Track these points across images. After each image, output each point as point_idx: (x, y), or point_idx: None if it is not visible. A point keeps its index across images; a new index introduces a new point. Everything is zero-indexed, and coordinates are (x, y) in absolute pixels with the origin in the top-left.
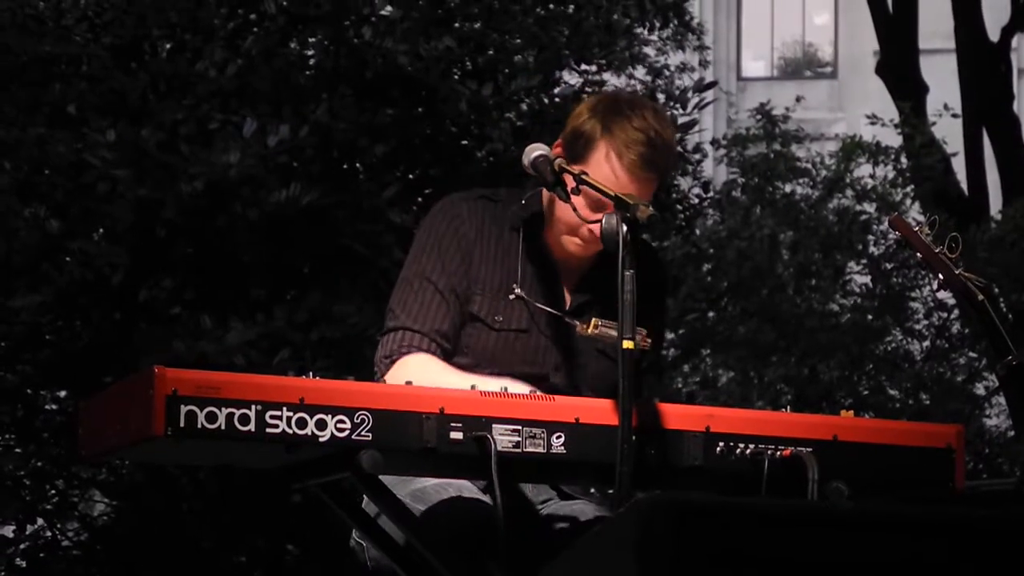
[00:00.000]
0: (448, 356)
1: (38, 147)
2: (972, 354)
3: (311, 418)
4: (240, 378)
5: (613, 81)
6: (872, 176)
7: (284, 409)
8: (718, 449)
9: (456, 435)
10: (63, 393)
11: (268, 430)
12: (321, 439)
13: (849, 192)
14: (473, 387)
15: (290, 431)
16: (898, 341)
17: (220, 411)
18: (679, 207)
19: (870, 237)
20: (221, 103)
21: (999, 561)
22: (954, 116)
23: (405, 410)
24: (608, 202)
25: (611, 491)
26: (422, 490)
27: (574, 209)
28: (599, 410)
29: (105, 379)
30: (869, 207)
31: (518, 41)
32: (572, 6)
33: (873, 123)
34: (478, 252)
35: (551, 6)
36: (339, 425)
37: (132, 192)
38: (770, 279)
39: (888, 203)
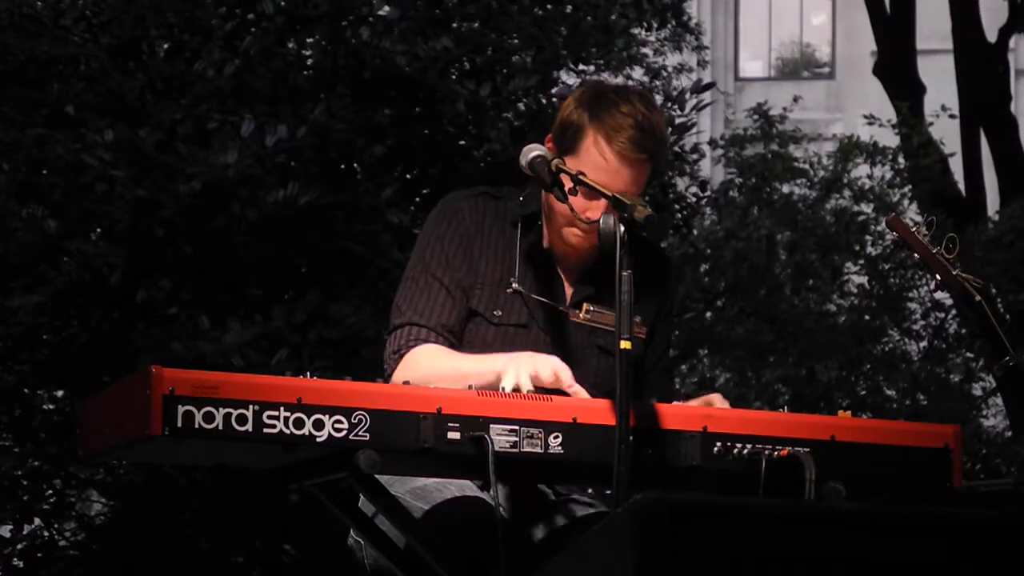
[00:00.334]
0: (454, 350)
1: (36, 147)
2: (969, 354)
3: (308, 418)
4: (237, 378)
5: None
6: (870, 176)
7: (281, 409)
8: (715, 449)
9: (453, 435)
10: (61, 393)
11: (265, 430)
12: (318, 439)
13: (847, 192)
14: (497, 379)
15: (287, 431)
16: (895, 341)
17: (217, 411)
18: (676, 207)
19: (867, 237)
20: (219, 103)
21: (996, 561)
22: (952, 117)
23: (402, 410)
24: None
25: (609, 491)
26: (423, 488)
27: (571, 208)
28: (597, 410)
29: (103, 379)
30: (867, 207)
31: (516, 41)
32: (570, 6)
33: (871, 123)
34: (478, 247)
35: (549, 6)
36: (336, 425)
37: (130, 192)
38: (767, 279)
39: (886, 203)
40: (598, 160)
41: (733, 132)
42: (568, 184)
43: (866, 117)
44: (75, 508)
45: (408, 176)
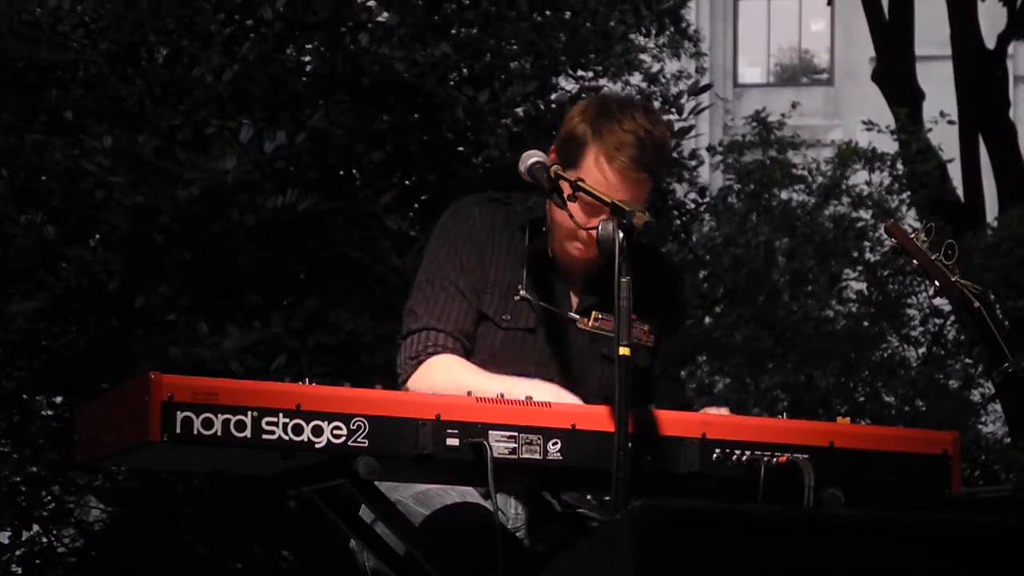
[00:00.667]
0: (469, 355)
1: (34, 153)
2: (968, 361)
3: (307, 424)
4: (236, 384)
5: (609, 88)
6: (868, 183)
7: (280, 415)
8: (714, 456)
9: (452, 441)
10: (59, 399)
11: (264, 436)
12: (317, 445)
13: (845, 199)
14: (501, 395)
15: (286, 437)
16: (894, 348)
17: (216, 417)
18: (675, 213)
19: (866, 244)
20: (218, 109)
21: (995, 567)
22: (950, 123)
23: (401, 416)
24: (605, 207)
25: (608, 497)
26: (425, 493)
27: (570, 216)
28: (596, 416)
29: (101, 385)
30: (865, 214)
31: (514, 47)
32: (568, 12)
33: (869, 130)
34: (489, 252)
35: (547, 12)
36: (335, 431)
37: (128, 198)
38: (766, 286)
39: (884, 210)
40: (598, 177)
41: (732, 138)
42: (567, 191)
43: (865, 123)
44: (73, 514)
45: (407, 182)
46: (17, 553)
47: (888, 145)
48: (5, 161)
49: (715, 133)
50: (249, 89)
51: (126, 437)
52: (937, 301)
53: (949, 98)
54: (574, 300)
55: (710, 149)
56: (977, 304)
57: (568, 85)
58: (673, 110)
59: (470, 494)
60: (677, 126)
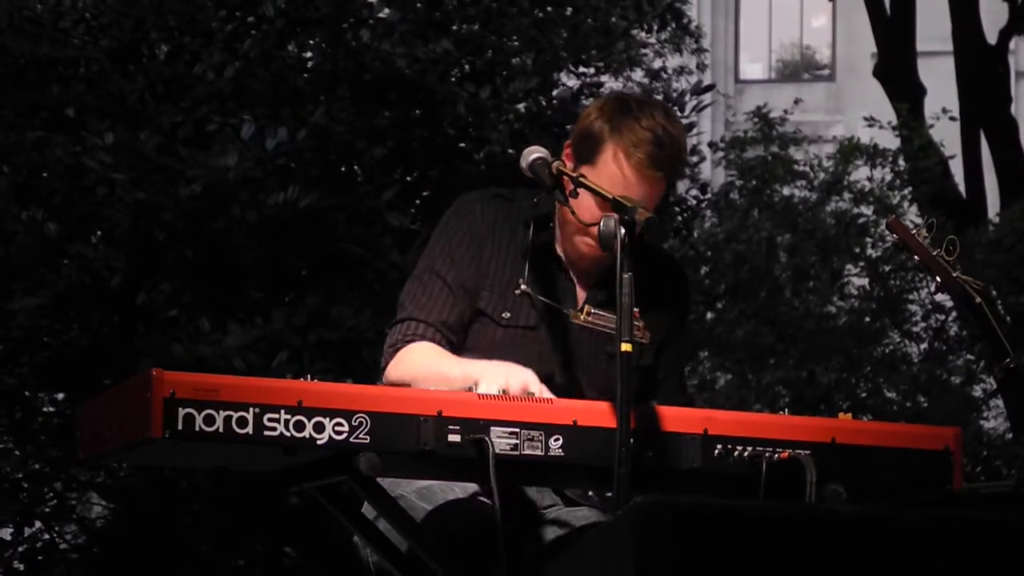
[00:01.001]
0: (454, 349)
1: (36, 150)
2: (970, 356)
3: (309, 421)
4: (238, 381)
5: (611, 84)
6: (870, 179)
7: (282, 412)
8: (716, 452)
9: (454, 437)
10: (61, 396)
11: (266, 433)
12: (319, 442)
13: (847, 195)
14: (474, 386)
15: (288, 434)
16: (896, 343)
17: (218, 414)
18: (677, 209)
19: (868, 240)
20: (219, 106)
21: (997, 563)
22: (952, 119)
23: (403, 413)
24: (607, 206)
25: (609, 493)
26: (428, 488)
27: (572, 212)
28: (597, 412)
29: (103, 382)
30: (867, 210)
31: (516, 44)
32: (570, 8)
33: (871, 125)
34: (489, 248)
35: (549, 9)
36: (337, 428)
37: (130, 195)
38: (768, 282)
39: (886, 205)
40: (615, 173)
41: (733, 134)
42: (569, 187)
43: (866, 119)
44: (75, 511)
45: (408, 178)
46: (19, 550)
47: (890, 141)
48: (6, 158)
49: (717, 129)
50: (250, 86)
51: (128, 434)
52: (939, 297)
53: (951, 94)
54: (581, 296)
55: (712, 145)
56: (979, 300)
57: (570, 81)
58: (675, 107)
59: (473, 489)
60: None
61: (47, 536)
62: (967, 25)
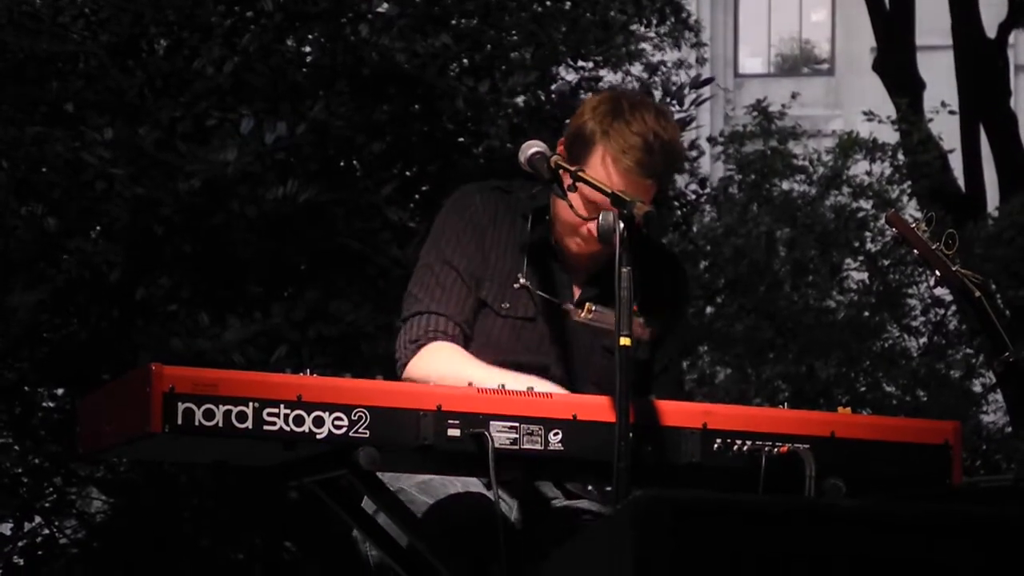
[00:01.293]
0: (469, 342)
1: (35, 145)
2: (969, 350)
3: (308, 415)
4: (237, 375)
5: (610, 78)
6: (869, 173)
7: (281, 406)
8: (715, 446)
9: (453, 432)
10: (60, 391)
11: (265, 427)
12: (318, 436)
13: (846, 189)
14: (502, 386)
15: (287, 428)
16: (895, 338)
17: (217, 408)
18: (676, 204)
19: (867, 234)
20: (218, 101)
21: (996, 557)
22: (951, 113)
23: (402, 407)
24: (606, 201)
25: (608, 488)
26: (428, 481)
27: (570, 206)
28: (597, 407)
29: (103, 377)
30: (866, 204)
31: (515, 38)
32: (568, 2)
33: (870, 120)
34: (490, 239)
35: (548, 3)
36: (336, 422)
37: (129, 190)
38: (767, 276)
39: (885, 200)
40: (603, 176)
41: (732, 129)
42: (567, 181)
43: (865, 113)
44: (75, 506)
45: (407, 173)
46: (19, 544)
47: (889, 135)
48: (6, 153)
49: (716, 123)
50: (249, 80)
51: (127, 428)
52: (938, 291)
53: (950, 88)
54: (576, 290)
55: (711, 140)
56: (978, 294)
57: (569, 75)
58: (674, 101)
59: (473, 484)
60: (678, 117)
61: (47, 531)
62: (966, 19)
